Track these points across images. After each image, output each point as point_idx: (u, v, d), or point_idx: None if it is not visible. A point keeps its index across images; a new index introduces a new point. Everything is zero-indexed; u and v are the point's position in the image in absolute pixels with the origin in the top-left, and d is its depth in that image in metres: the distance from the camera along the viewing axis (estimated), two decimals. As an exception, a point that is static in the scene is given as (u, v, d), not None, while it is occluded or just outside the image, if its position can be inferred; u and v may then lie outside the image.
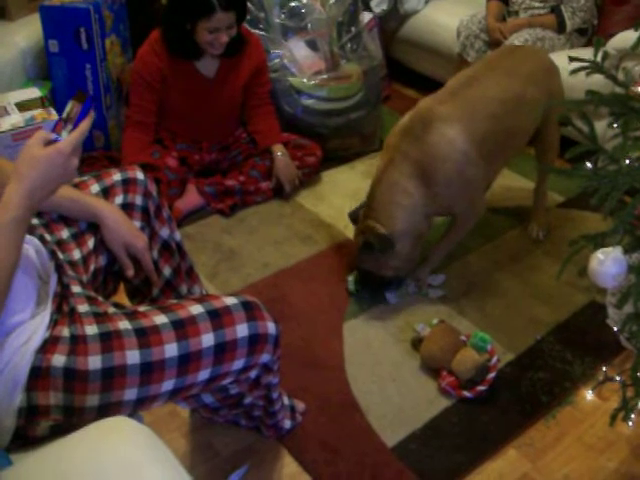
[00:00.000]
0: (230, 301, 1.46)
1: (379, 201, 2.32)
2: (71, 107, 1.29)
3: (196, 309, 1.41)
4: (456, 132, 2.25)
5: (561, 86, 2.60)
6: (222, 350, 1.41)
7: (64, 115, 1.29)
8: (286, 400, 1.89)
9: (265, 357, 1.50)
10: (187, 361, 1.36)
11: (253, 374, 1.52)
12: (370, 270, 2.41)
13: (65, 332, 1.29)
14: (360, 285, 2.47)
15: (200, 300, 1.45)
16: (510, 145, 2.47)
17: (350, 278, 2.50)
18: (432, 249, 2.54)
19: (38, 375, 1.26)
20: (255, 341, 1.45)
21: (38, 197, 1.21)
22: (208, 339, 1.39)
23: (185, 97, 2.86)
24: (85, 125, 1.26)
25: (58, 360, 1.26)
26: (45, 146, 1.22)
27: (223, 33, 2.63)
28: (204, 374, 1.40)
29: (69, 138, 1.24)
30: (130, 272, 1.63)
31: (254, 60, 2.92)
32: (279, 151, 2.97)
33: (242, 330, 1.43)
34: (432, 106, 2.32)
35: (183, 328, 1.37)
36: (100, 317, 1.35)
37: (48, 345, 1.27)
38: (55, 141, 1.24)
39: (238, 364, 1.45)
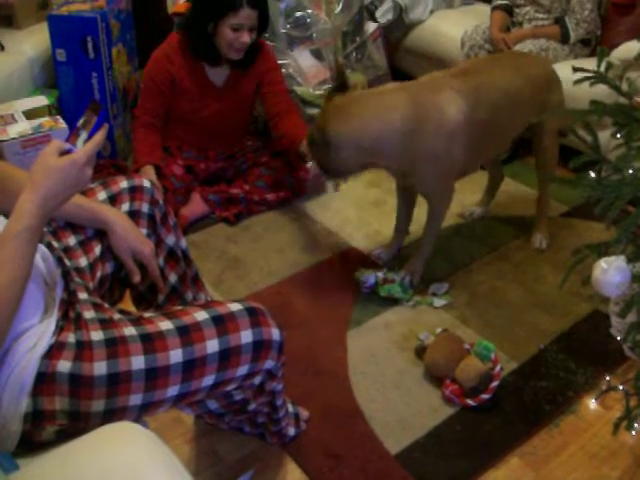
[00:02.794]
0: (234, 307, 1.46)
1: (350, 106, 2.24)
2: (86, 118, 1.31)
3: (201, 315, 1.42)
4: (459, 106, 2.28)
5: (560, 99, 2.62)
6: (226, 356, 1.41)
7: (79, 125, 1.30)
8: (290, 407, 1.90)
9: (269, 363, 1.50)
10: (192, 367, 1.37)
11: (257, 380, 1.53)
12: (318, 160, 2.35)
13: (71, 338, 1.30)
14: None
15: (205, 306, 1.46)
16: (495, 140, 2.52)
17: (359, 274, 2.52)
18: (420, 242, 2.57)
19: (44, 380, 1.27)
20: (259, 347, 1.46)
21: (51, 206, 1.24)
22: (213, 345, 1.39)
23: (193, 104, 2.88)
24: (99, 136, 1.29)
25: (64, 366, 1.27)
26: (60, 156, 1.24)
27: (245, 32, 2.68)
28: (208, 380, 1.41)
29: (84, 149, 1.26)
30: (136, 278, 1.64)
31: (262, 66, 2.94)
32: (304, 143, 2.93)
33: (246, 336, 1.44)
34: (445, 76, 2.37)
35: (188, 334, 1.38)
36: (106, 323, 1.36)
37: (54, 351, 1.28)
38: (69, 151, 1.26)
39: (242, 370, 1.45)
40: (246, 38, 2.69)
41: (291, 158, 2.95)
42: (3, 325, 1.17)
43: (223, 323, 1.42)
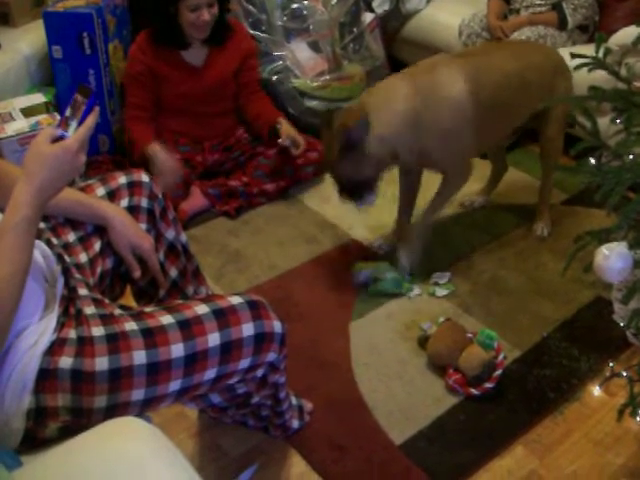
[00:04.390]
0: (235, 300, 1.46)
1: (375, 101, 2.31)
2: (76, 102, 1.29)
3: (202, 309, 1.42)
4: (461, 82, 2.33)
5: (567, 87, 2.61)
6: (228, 349, 1.41)
7: (68, 110, 1.28)
8: (294, 400, 1.90)
9: (271, 356, 1.50)
10: (194, 361, 1.37)
11: (260, 373, 1.53)
12: (344, 170, 2.35)
13: (72, 334, 1.30)
14: (342, 193, 2.44)
15: (206, 300, 1.46)
16: (502, 123, 2.54)
17: (357, 268, 2.52)
18: (421, 216, 2.56)
19: (46, 377, 1.27)
20: (261, 340, 1.46)
21: (47, 195, 1.22)
22: (214, 338, 1.39)
23: (177, 89, 2.91)
24: (91, 120, 1.27)
25: (65, 362, 1.27)
26: (52, 143, 1.23)
27: (204, 10, 2.71)
28: (210, 373, 1.41)
29: (76, 135, 1.24)
30: (137, 273, 1.64)
31: (242, 47, 2.99)
32: (283, 120, 2.99)
33: (248, 329, 1.44)
34: (446, 57, 2.47)
35: (189, 328, 1.38)
36: (106, 319, 1.36)
37: (55, 347, 1.28)
38: (61, 137, 1.24)
39: (244, 363, 1.45)
40: (206, 16, 2.72)
41: (264, 134, 3.01)
42: (5, 320, 1.17)
43: (224, 316, 1.42)
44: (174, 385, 1.36)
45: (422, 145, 2.34)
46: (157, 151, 2.77)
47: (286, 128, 2.94)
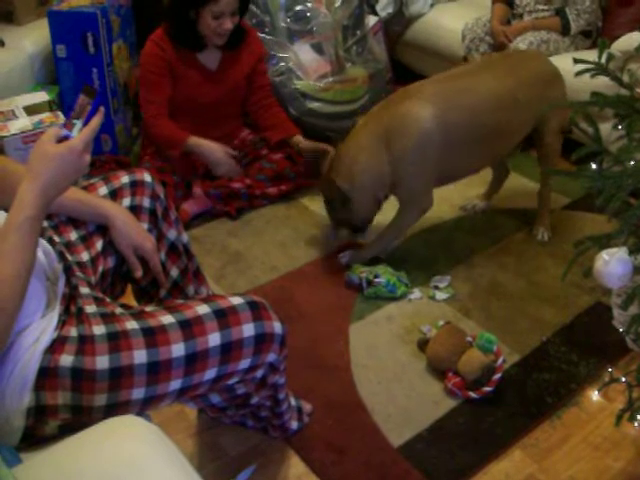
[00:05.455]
0: (236, 301, 1.47)
1: (344, 156, 2.43)
2: (81, 103, 1.30)
3: (202, 309, 1.42)
4: (426, 112, 2.34)
5: (562, 94, 2.61)
6: (228, 349, 1.42)
7: (74, 111, 1.29)
8: (293, 401, 1.90)
9: (271, 357, 1.51)
10: (194, 360, 1.37)
11: (259, 374, 1.53)
12: (339, 220, 2.58)
13: (73, 332, 1.31)
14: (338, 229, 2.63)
15: (206, 300, 1.46)
16: (492, 143, 2.51)
17: (354, 270, 2.53)
18: (377, 235, 2.62)
19: (46, 375, 1.27)
20: (261, 340, 1.46)
21: (52, 195, 1.23)
22: (214, 338, 1.40)
23: (189, 90, 2.89)
24: (96, 121, 1.28)
25: (66, 360, 1.28)
26: (57, 143, 1.23)
27: (227, 19, 2.70)
28: (211, 373, 1.41)
29: (81, 135, 1.25)
30: (138, 273, 1.64)
31: (255, 52, 2.99)
32: (300, 138, 3.01)
33: (248, 330, 1.44)
34: (419, 86, 2.45)
35: (190, 328, 1.38)
36: (107, 317, 1.36)
37: (56, 345, 1.28)
38: (66, 137, 1.25)
39: (244, 363, 1.45)
40: (229, 25, 2.72)
41: (273, 142, 3.04)
42: (8, 320, 1.17)
43: (225, 317, 1.42)
44: (174, 384, 1.37)
45: (394, 178, 2.42)
46: (201, 142, 2.79)
47: (305, 145, 2.97)
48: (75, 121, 1.29)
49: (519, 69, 2.54)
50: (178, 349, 1.36)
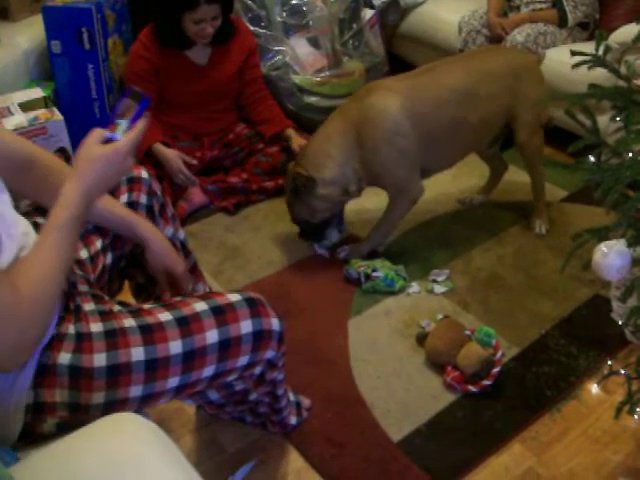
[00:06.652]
0: (234, 298, 1.46)
1: (312, 149, 2.45)
2: (126, 106, 1.31)
3: (200, 306, 1.42)
4: (393, 101, 2.36)
5: (535, 88, 2.56)
6: (226, 346, 1.41)
7: (118, 114, 1.31)
8: (292, 396, 1.90)
9: (269, 353, 1.50)
10: (192, 358, 1.37)
11: (258, 370, 1.52)
12: (299, 213, 2.54)
13: (71, 329, 1.30)
14: (307, 235, 2.60)
15: (204, 297, 1.46)
16: (461, 136, 2.51)
17: (352, 264, 2.52)
18: (372, 229, 2.62)
19: (45, 372, 1.26)
20: (259, 337, 1.46)
21: (95, 195, 1.25)
22: (212, 336, 1.39)
23: (182, 88, 2.89)
24: (141, 125, 1.30)
25: (64, 358, 1.27)
26: (102, 144, 1.24)
27: (208, 24, 2.71)
28: (209, 370, 1.41)
29: (127, 137, 1.27)
30: (167, 294, 1.67)
31: (245, 44, 2.98)
32: (293, 132, 3.00)
33: (246, 326, 1.44)
34: (385, 80, 2.48)
35: (187, 325, 1.38)
36: (105, 315, 1.36)
37: (54, 342, 1.28)
38: (111, 139, 1.27)
39: (242, 360, 1.45)
40: (209, 30, 2.73)
41: (266, 136, 3.03)
42: (44, 321, 1.16)
43: (222, 314, 1.42)
44: (172, 382, 1.36)
45: (368, 172, 2.43)
46: (160, 151, 2.78)
47: (296, 140, 2.95)
48: (119, 121, 1.30)
49: (487, 62, 2.53)
50: (176, 346, 1.35)
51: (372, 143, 2.37)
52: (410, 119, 2.36)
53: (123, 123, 1.30)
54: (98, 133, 1.26)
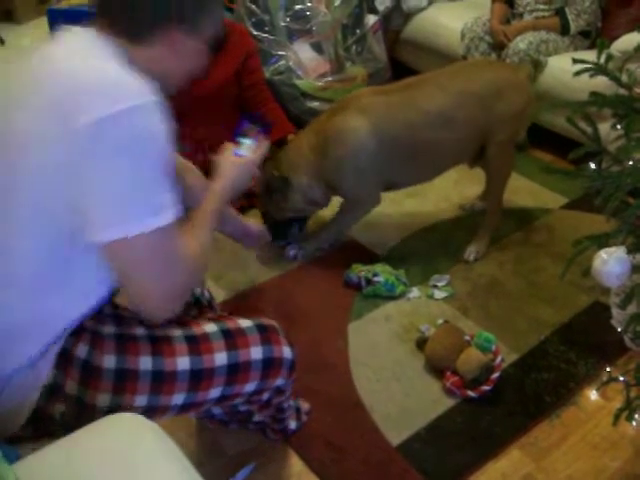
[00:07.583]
0: (245, 323, 1.48)
1: (283, 158, 2.57)
2: (246, 129, 1.73)
3: (210, 327, 1.44)
4: (362, 123, 2.39)
5: (515, 105, 2.49)
6: (235, 370, 1.42)
7: (240, 135, 1.70)
8: (291, 401, 1.90)
9: (279, 381, 1.51)
10: (199, 377, 1.38)
11: (265, 397, 1.53)
12: (268, 211, 2.64)
13: (88, 324, 1.32)
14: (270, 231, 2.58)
15: (215, 320, 1.47)
16: (435, 155, 2.50)
17: (353, 269, 2.53)
18: (321, 228, 2.69)
19: (65, 359, 1.29)
20: (269, 365, 1.47)
21: (230, 196, 1.55)
22: (221, 358, 1.40)
23: (178, 94, 2.88)
24: (265, 144, 1.69)
25: (81, 350, 1.30)
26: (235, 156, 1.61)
27: None
28: (215, 392, 1.41)
29: (257, 153, 1.66)
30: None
31: (242, 47, 2.97)
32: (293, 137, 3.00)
33: (256, 352, 1.45)
34: (362, 95, 2.50)
35: (197, 343, 1.39)
36: (119, 319, 1.38)
37: (79, 332, 1.30)
38: (236, 154, 1.62)
39: (250, 386, 1.46)
40: None
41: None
42: (201, 274, 1.46)
43: (232, 338, 1.43)
44: (177, 398, 1.37)
45: (327, 183, 2.51)
46: None
47: None
48: (242, 140, 1.67)
49: (471, 82, 2.46)
50: (183, 362, 1.36)
51: (335, 160, 2.43)
52: (379, 140, 2.39)
53: (247, 142, 1.66)
54: (230, 148, 1.63)
